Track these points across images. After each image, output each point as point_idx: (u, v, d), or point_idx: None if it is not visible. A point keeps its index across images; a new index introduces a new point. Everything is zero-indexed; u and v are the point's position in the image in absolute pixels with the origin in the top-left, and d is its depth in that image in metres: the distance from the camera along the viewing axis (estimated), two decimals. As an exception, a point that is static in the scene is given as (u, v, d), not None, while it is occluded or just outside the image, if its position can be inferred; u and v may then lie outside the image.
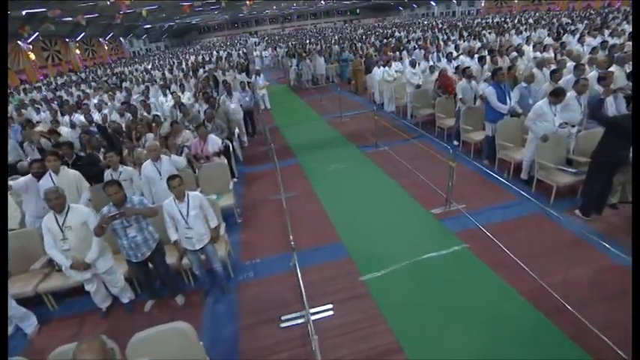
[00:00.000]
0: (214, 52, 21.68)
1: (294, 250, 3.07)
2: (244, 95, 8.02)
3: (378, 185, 5.36)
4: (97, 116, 7.53)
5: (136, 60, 24.66)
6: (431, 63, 8.61)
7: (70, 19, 17.34)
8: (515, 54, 7.97)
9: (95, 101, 8.33)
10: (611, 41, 9.98)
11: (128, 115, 6.64)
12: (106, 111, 7.37)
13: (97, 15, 19.39)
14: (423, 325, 2.95)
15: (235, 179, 6.15)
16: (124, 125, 6.10)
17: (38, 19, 16.42)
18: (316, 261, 3.87)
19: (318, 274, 3.67)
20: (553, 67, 5.91)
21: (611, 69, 5.90)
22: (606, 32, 10.86)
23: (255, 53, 20.27)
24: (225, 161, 5.14)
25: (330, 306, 3.24)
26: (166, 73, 13.85)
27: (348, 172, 5.90)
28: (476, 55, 8.45)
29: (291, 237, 3.42)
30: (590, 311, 2.85)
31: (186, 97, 7.95)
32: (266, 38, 32.05)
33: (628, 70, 5.73)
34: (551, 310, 2.91)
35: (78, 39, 23.48)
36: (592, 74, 5.82)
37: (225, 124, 6.38)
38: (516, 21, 20.66)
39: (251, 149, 7.71)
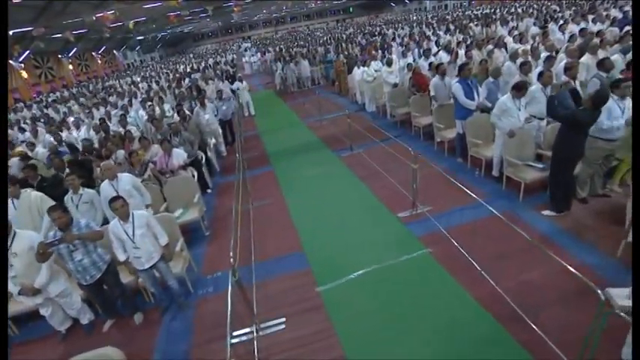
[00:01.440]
0: (204, 61, 21.74)
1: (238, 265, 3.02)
2: (221, 104, 8.00)
3: (348, 190, 5.29)
4: (75, 134, 7.59)
5: (128, 73, 24.83)
6: (409, 60, 8.52)
7: (58, 35, 17.51)
8: (490, 47, 7.84)
9: (72, 119, 8.36)
10: (594, 28, 9.83)
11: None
12: (82, 130, 7.38)
13: (86, 30, 19.58)
14: (373, 337, 2.88)
15: (209, 190, 6.14)
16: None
17: (28, 37, 16.62)
18: (275, 272, 3.82)
19: (276, 286, 3.63)
20: (522, 59, 5.79)
21: (583, 58, 5.79)
22: (590, 18, 10.65)
23: (244, 59, 20.29)
24: (191, 174, 5.11)
25: (282, 319, 3.19)
26: (153, 85, 13.89)
27: (321, 178, 5.84)
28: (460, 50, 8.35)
29: (252, 250, 3.39)
30: (546, 316, 2.76)
31: (167, 109, 7.95)
32: (258, 43, 32.10)
33: (601, 57, 5.59)
34: (506, 317, 2.83)
35: (70, 54, 23.71)
36: (561, 64, 5.71)
37: (198, 135, 6.36)
38: (505, 11, 20.42)
39: (229, 158, 7.68)
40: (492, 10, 22.67)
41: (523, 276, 3.19)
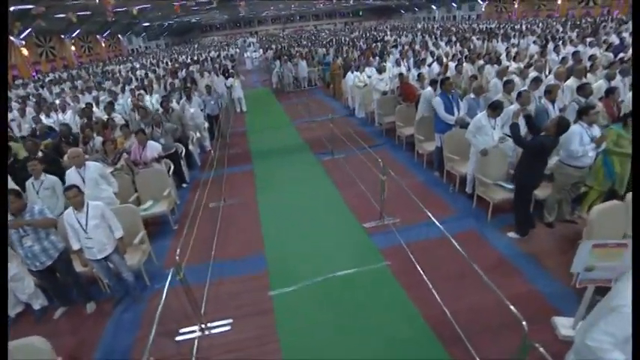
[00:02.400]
0: (207, 52, 21.69)
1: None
2: (210, 99, 7.97)
3: (320, 195, 5.28)
4: (61, 117, 7.55)
5: (130, 59, 24.77)
6: (402, 69, 8.52)
7: (62, 15, 17.44)
8: (481, 62, 7.85)
9: (58, 102, 8.32)
10: (590, 51, 9.87)
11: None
12: (68, 113, 7.35)
13: (90, 13, 19.52)
14: (314, 346, 2.87)
15: (185, 185, 6.12)
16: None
17: (30, 16, 16.55)
18: (232, 272, 3.81)
19: (230, 287, 3.62)
20: (505, 78, 5.80)
21: (568, 82, 5.80)
22: (588, 41, 10.67)
23: (246, 54, 20.27)
24: (165, 167, 5.09)
25: (229, 321, 3.18)
26: (149, 73, 13.85)
27: (297, 181, 5.83)
28: (451, 63, 8.36)
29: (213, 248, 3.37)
30: (487, 340, 2.75)
31: (155, 100, 7.91)
32: (263, 39, 32.07)
33: (585, 80, 5.60)
34: (448, 338, 2.81)
35: (74, 35, 23.62)
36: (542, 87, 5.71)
37: (180, 128, 6.34)
38: (510, 27, 20.46)
39: (211, 154, 7.60)
40: (497, 26, 22.74)
41: (474, 298, 3.16)
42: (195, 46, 34.84)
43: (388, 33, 23.49)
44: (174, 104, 6.92)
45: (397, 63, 8.82)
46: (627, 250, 2.37)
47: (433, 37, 18.24)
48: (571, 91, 5.69)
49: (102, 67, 20.38)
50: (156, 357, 2.91)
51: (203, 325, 3.12)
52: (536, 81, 5.39)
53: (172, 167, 5.48)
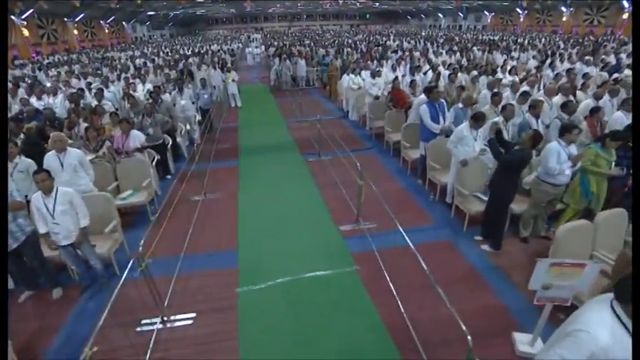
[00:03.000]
0: (208, 45, 21.63)
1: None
2: (203, 93, 7.95)
3: (301, 195, 5.28)
4: (51, 100, 7.52)
5: (133, 46, 24.69)
6: (398, 74, 8.54)
7: (64, -1, 17.38)
8: (475, 72, 7.87)
9: (48, 84, 8.28)
10: (586, 69, 9.92)
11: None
12: (59, 97, 7.32)
13: (94, -2, 19.46)
14: (272, 346, 2.87)
15: (169, 176, 6.10)
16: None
17: (32, -3, 16.49)
18: (202, 267, 3.81)
19: (198, 281, 3.61)
20: (495, 90, 5.82)
21: (555, 98, 5.83)
22: (585, 59, 10.73)
23: (247, 50, 20.24)
24: (148, 157, 5.07)
25: (192, 315, 3.17)
26: (148, 62, 13.81)
27: (281, 179, 5.82)
28: (445, 71, 8.37)
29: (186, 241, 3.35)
30: (443, 351, 2.76)
31: (147, 90, 7.87)
32: (268, 36, 32.02)
33: (570, 98, 5.63)
34: (405, 347, 2.82)
35: (77, 19, 23.51)
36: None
37: (168, 120, 6.32)
38: (513, 40, 20.53)
39: (202, 147, 7.58)
40: (500, 38, 22.82)
41: (437, 308, 3.15)
42: (199, 38, 34.75)
43: (391, 38, 23.51)
44: (165, 95, 6.91)
45: (393, 68, 8.84)
46: (584, 270, 2.38)
47: (435, 44, 18.29)
48: (557, 108, 5.75)
49: (102, 52, 20.30)
50: (113, 346, 2.93)
51: (165, 318, 3.11)
52: (524, 95, 5.42)
53: (156, 158, 5.48)
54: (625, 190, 4.12)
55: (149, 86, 8.08)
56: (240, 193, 5.40)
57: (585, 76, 8.32)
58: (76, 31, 24.11)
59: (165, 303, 3.23)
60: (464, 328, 2.09)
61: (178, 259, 3.91)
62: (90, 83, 8.30)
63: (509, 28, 36.13)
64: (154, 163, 5.39)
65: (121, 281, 2.51)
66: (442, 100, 5.27)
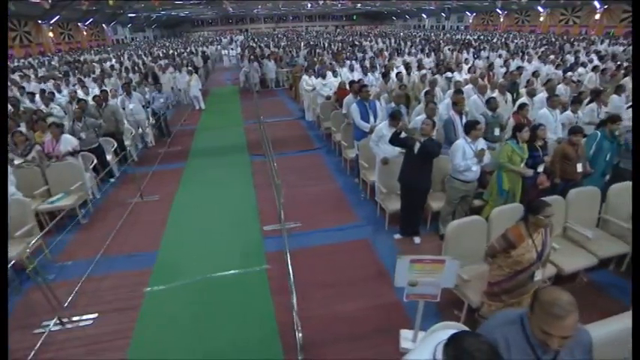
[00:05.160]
0: (193, 47, 21.55)
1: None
2: (159, 97, 7.96)
3: (236, 196, 5.35)
4: None
5: (109, 49, 24.47)
6: (355, 75, 8.64)
7: (35, 0, 17.13)
8: (424, 71, 8.03)
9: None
10: (543, 68, 10.17)
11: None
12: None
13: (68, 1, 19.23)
14: (163, 345, 2.92)
15: (112, 179, 6.11)
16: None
17: (2, -1, 16.21)
18: (119, 268, 3.86)
19: (111, 282, 3.66)
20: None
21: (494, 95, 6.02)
22: (545, 58, 10.98)
23: (223, 52, 20.23)
24: (79, 162, 5.08)
25: (93, 315, 3.22)
26: (116, 65, 13.74)
27: (221, 181, 5.88)
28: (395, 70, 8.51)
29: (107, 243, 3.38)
30: (327, 349, 2.81)
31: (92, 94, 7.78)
32: (252, 37, 31.99)
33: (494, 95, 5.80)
34: (291, 345, 2.82)
35: (52, 22, 23.22)
36: (472, 98, 5.90)
37: (113, 123, 6.34)
38: (485, 40, 20.84)
39: (153, 150, 7.60)
40: (476, 38, 23.16)
41: (334, 306, 3.24)
42: (180, 40, 34.56)
43: (371, 38, 23.70)
44: (112, 100, 6.91)
45: (351, 68, 8.95)
46: (445, 266, 2.45)
47: (410, 44, 18.51)
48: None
49: (78, 55, 20.08)
50: (11, 348, 2.95)
51: (65, 319, 3.15)
52: (457, 93, 5.56)
53: (94, 161, 5.50)
54: (540, 188, 4.25)
55: (96, 90, 8.03)
56: (177, 195, 5.45)
57: (535, 74, 8.56)
58: (51, 34, 23.81)
59: (66, 304, 3.27)
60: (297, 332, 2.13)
61: (97, 261, 3.95)
62: (43, 88, 8.23)
63: (490, 29, 36.68)
64: (91, 166, 5.42)
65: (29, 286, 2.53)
66: (374, 99, 5.37)
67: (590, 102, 5.79)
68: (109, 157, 6.08)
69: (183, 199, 5.33)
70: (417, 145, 3.61)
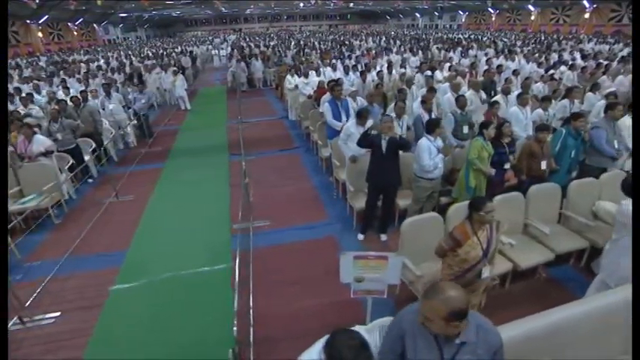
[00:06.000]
0: (176, 48, 21.50)
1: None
2: (140, 97, 7.96)
3: (211, 196, 5.38)
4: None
5: (98, 49, 24.37)
6: (339, 74, 8.69)
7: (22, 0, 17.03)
8: (402, 70, 8.10)
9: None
10: (527, 67, 10.28)
11: None
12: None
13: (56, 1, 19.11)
14: (122, 342, 2.95)
15: (91, 180, 6.12)
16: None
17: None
18: (87, 267, 3.88)
19: (78, 281, 3.69)
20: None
21: (467, 93, 6.09)
22: (530, 57, 11.08)
23: (213, 52, 20.21)
24: (53, 162, 5.09)
25: (55, 314, 3.24)
26: (103, 65, 13.70)
27: (197, 181, 5.91)
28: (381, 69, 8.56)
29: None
30: (285, 345, 2.84)
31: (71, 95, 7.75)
32: (246, 37, 31.92)
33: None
34: (245, 342, 2.86)
35: (41, 21, 23.07)
36: (446, 96, 5.98)
37: (92, 123, 6.34)
38: (474, 39, 20.95)
39: (134, 151, 7.56)
40: (468, 36, 23.28)
41: (297, 303, 3.26)
42: (171, 40, 34.46)
43: (362, 37, 23.75)
44: (92, 100, 6.90)
45: (334, 68, 9.00)
46: (388, 262, 2.47)
47: (399, 43, 18.58)
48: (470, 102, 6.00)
49: (66, 56, 19.98)
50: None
51: (27, 319, 3.18)
52: (430, 91, 5.63)
53: (71, 162, 5.51)
54: (505, 186, 4.30)
55: (72, 91, 8.02)
56: (153, 195, 5.47)
57: (515, 72, 8.66)
58: (40, 34, 23.65)
59: (28, 303, 3.30)
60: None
61: (67, 260, 3.97)
62: (19, 88, 8.21)
63: (482, 28, 36.84)
64: (67, 166, 5.43)
65: None
66: (346, 98, 5.42)
67: (562, 99, 5.88)
68: (87, 158, 6.10)
69: (158, 198, 5.36)
70: (385, 143, 3.65)
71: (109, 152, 6.84)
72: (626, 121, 4.42)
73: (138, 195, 5.47)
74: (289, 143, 7.42)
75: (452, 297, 1.29)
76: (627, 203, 2.49)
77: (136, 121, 7.96)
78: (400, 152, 3.87)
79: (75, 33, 28.21)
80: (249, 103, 10.97)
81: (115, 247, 4.22)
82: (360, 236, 4.18)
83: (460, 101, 4.95)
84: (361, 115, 4.38)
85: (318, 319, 3.07)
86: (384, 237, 4.17)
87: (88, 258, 4.05)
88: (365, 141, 3.80)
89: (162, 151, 7.34)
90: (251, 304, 3.23)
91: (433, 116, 5.00)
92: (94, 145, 6.29)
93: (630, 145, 4.28)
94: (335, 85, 5.41)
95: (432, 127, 3.90)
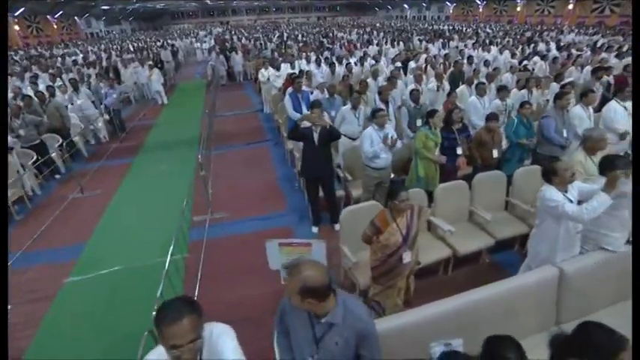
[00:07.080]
0: (157, 41, 21.18)
1: None
2: (112, 92, 7.90)
3: (176, 189, 5.39)
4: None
5: (79, 43, 23.88)
6: (312, 67, 8.71)
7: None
8: (373, 62, 8.17)
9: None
10: (500, 58, 10.42)
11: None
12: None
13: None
14: (68, 334, 3.03)
15: (58, 176, 6.11)
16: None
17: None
18: (43, 261, 3.93)
19: (32, 274, 3.75)
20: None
21: (430, 85, 6.20)
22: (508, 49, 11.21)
23: (196, 45, 19.99)
24: (14, 158, 5.08)
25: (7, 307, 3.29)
26: (79, 60, 13.50)
27: (167, 174, 5.95)
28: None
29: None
30: None
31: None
32: (232, 30, 31.53)
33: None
34: None
35: (17, 14, 22.48)
36: (409, 87, 6.06)
37: (58, 119, 6.31)
38: (454, 31, 21.01)
39: (106, 146, 7.55)
40: (450, 28, 23.32)
41: (241, 291, 3.36)
42: (158, 33, 33.88)
43: (347, 29, 23.65)
44: (60, 96, 6.85)
45: (307, 60, 9.02)
46: (312, 248, 2.52)
47: (382, 34, 18.57)
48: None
49: (44, 50, 19.56)
50: None
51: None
52: (391, 81, 5.71)
53: (35, 158, 5.50)
54: (458, 175, 4.42)
55: (41, 87, 7.93)
56: (119, 190, 5.50)
57: (485, 63, 8.77)
58: (17, 27, 23.07)
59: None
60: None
61: (26, 254, 4.02)
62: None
63: (470, 19, 36.87)
64: (30, 162, 5.42)
65: None
66: (306, 90, 5.48)
67: (522, 89, 6.01)
68: (53, 154, 6.07)
69: (123, 193, 5.40)
70: (316, 135, 3.71)
71: (78, 148, 6.81)
72: (576, 110, 4.55)
73: (104, 190, 5.50)
74: (260, 136, 7.47)
75: (307, 275, 1.37)
76: (544, 189, 2.62)
77: (107, 116, 7.92)
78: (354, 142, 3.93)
79: (55, 26, 27.56)
80: (226, 97, 10.95)
81: (74, 241, 4.26)
82: (314, 229, 4.25)
83: (413, 94, 5.03)
84: (313, 107, 4.42)
85: (260, 306, 3.18)
86: (337, 226, 4.25)
87: (46, 252, 4.10)
88: (297, 133, 3.81)
89: (134, 146, 7.34)
90: (196, 292, 3.32)
91: (391, 108, 5.08)
92: (61, 141, 6.27)
93: (580, 133, 4.42)
94: (296, 77, 5.46)
95: (372, 115, 3.96)
